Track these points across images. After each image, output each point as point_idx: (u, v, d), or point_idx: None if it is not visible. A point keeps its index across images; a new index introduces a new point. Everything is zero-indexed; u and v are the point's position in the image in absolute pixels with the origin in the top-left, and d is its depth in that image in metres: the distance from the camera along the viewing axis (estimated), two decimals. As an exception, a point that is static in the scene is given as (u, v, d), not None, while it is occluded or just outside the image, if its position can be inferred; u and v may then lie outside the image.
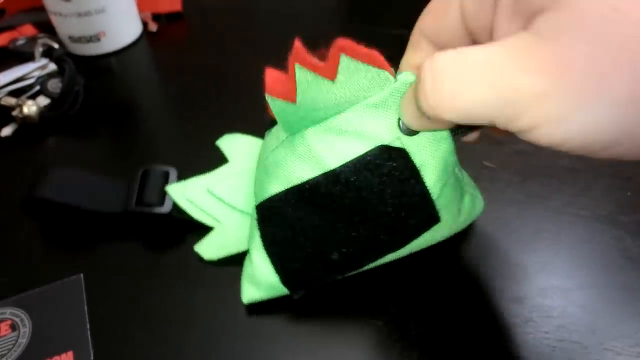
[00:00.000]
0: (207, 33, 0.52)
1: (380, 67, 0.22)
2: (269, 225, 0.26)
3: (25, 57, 0.45)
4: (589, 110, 0.16)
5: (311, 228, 0.25)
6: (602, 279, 0.28)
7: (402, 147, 0.23)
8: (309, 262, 0.26)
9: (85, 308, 0.28)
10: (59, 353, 0.26)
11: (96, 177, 0.32)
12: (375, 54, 0.22)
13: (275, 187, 0.26)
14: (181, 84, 0.45)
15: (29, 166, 0.38)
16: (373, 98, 0.23)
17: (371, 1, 0.54)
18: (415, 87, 0.19)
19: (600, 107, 0.16)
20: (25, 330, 0.27)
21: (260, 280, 0.27)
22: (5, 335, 0.27)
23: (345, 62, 0.22)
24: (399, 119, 0.23)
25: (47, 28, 0.50)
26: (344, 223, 0.25)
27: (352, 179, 0.24)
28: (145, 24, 0.53)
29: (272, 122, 0.28)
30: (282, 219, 0.26)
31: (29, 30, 0.52)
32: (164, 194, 0.32)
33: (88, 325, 0.27)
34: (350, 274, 0.27)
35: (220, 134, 0.37)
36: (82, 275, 0.29)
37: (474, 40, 0.22)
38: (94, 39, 0.47)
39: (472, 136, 0.25)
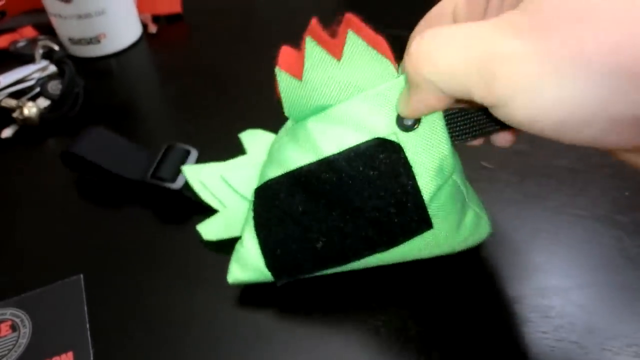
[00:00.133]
0: (207, 34, 0.52)
1: (384, 54, 0.23)
2: (262, 207, 0.27)
3: (25, 59, 0.45)
4: (566, 80, 0.16)
5: (300, 214, 0.26)
6: (601, 278, 0.28)
7: (398, 141, 0.24)
8: (294, 248, 0.26)
9: (85, 308, 0.28)
10: (59, 353, 0.26)
11: (131, 145, 0.36)
12: (381, 39, 0.23)
13: (274, 171, 0.27)
14: (181, 85, 0.45)
15: (29, 167, 0.38)
16: (374, 90, 0.24)
17: (371, 2, 0.54)
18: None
19: (576, 79, 0.16)
20: (26, 330, 0.27)
21: (247, 261, 0.27)
22: (5, 336, 0.27)
23: (351, 39, 0.23)
24: (398, 115, 0.24)
25: (47, 30, 0.50)
26: (332, 212, 0.25)
27: (344, 168, 0.24)
28: (145, 26, 0.53)
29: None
30: (275, 202, 0.26)
31: (29, 32, 0.52)
32: (178, 171, 0.34)
33: (88, 326, 0.27)
34: (334, 268, 0.27)
35: (220, 134, 0.37)
36: (82, 275, 0.30)
37: None
38: (94, 40, 0.48)
39: (474, 142, 0.25)
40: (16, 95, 0.41)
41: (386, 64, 0.24)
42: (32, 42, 0.48)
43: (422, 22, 0.25)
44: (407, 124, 0.24)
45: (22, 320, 0.28)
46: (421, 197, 0.24)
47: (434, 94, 0.21)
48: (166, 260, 0.30)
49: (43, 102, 0.41)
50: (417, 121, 0.24)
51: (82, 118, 0.41)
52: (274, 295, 0.28)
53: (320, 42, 0.24)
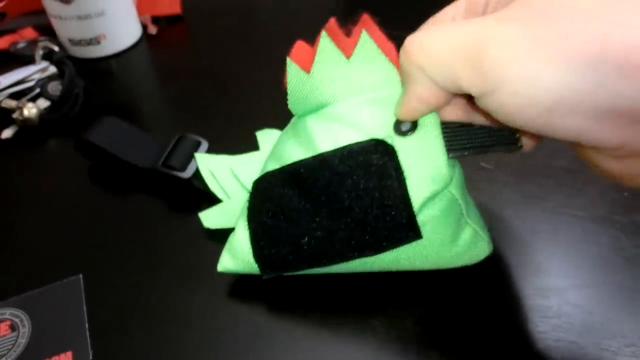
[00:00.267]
0: (207, 35, 0.52)
1: (391, 60, 0.24)
2: (257, 199, 0.27)
3: (25, 59, 0.45)
4: (555, 66, 0.17)
5: (289, 209, 0.26)
6: (599, 279, 0.28)
7: (392, 145, 0.24)
8: (281, 242, 0.26)
9: (85, 308, 0.28)
10: (58, 353, 0.26)
11: (144, 135, 0.37)
12: (391, 46, 0.24)
13: (272, 164, 0.27)
14: (181, 86, 0.45)
15: (29, 168, 0.38)
16: (376, 93, 0.24)
17: (371, 2, 0.54)
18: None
19: (564, 65, 0.17)
20: (25, 330, 0.27)
21: (237, 251, 0.27)
22: (4, 336, 0.27)
23: (364, 39, 0.24)
24: (396, 121, 0.24)
25: (47, 31, 0.50)
26: (321, 209, 0.25)
27: (336, 166, 0.24)
28: (145, 27, 0.53)
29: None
30: (269, 195, 0.26)
31: (29, 33, 0.52)
32: (189, 161, 0.34)
33: (87, 326, 0.27)
34: (319, 268, 0.26)
35: (221, 135, 0.37)
36: (81, 275, 0.30)
37: None
38: (94, 41, 0.48)
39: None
40: (16, 96, 0.41)
41: (392, 71, 0.24)
42: (32, 43, 0.48)
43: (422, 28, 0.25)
44: (403, 129, 0.24)
45: (21, 320, 0.28)
46: (409, 203, 0.24)
47: (427, 85, 0.21)
48: (166, 260, 0.30)
49: (43, 103, 0.41)
50: (414, 127, 0.24)
51: (82, 119, 0.41)
52: (274, 296, 0.28)
53: (334, 38, 0.24)
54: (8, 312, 0.28)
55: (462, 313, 0.27)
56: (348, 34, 0.26)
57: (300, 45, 0.26)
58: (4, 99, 0.41)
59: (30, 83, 0.42)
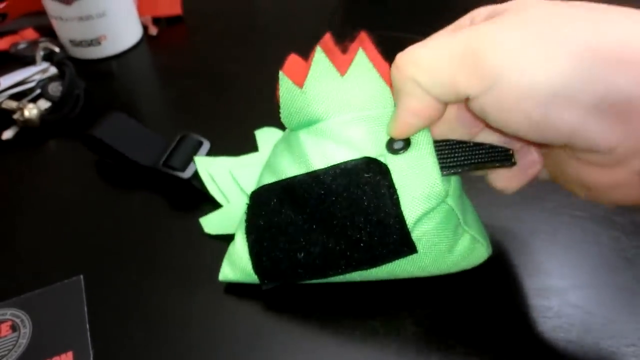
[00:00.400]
0: (207, 36, 0.52)
1: (386, 80, 0.24)
2: (254, 212, 0.27)
3: (26, 60, 0.45)
4: (552, 58, 0.18)
5: (286, 224, 0.26)
6: (599, 279, 0.28)
7: (385, 163, 0.24)
8: (279, 256, 0.26)
9: (85, 309, 0.28)
10: (58, 353, 0.26)
11: (148, 131, 0.37)
12: (387, 66, 0.24)
13: (269, 177, 0.27)
14: (181, 87, 0.45)
15: (30, 168, 0.38)
16: (369, 112, 0.24)
17: (370, 4, 0.54)
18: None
19: (561, 59, 0.17)
20: (26, 331, 0.27)
21: (237, 262, 0.27)
22: (5, 336, 0.27)
23: (360, 57, 0.24)
24: (389, 140, 0.24)
25: (48, 32, 0.50)
26: (316, 225, 0.25)
27: (330, 184, 0.24)
28: (145, 28, 0.53)
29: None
30: (265, 208, 0.26)
31: (30, 34, 0.52)
32: (189, 161, 0.34)
33: (88, 326, 0.27)
34: (316, 280, 0.27)
35: (221, 135, 0.37)
36: (82, 276, 0.30)
37: None
38: (95, 42, 0.48)
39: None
40: (17, 97, 0.41)
41: (386, 91, 0.24)
42: (33, 44, 0.48)
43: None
44: (396, 148, 0.24)
45: (22, 321, 0.28)
46: (403, 220, 0.24)
47: (420, 98, 0.21)
48: (166, 260, 0.31)
49: (44, 104, 0.41)
50: (407, 146, 0.24)
51: (82, 120, 0.41)
52: (274, 296, 0.28)
53: (329, 54, 0.24)
54: (9, 313, 0.28)
55: (462, 314, 0.27)
56: (344, 50, 0.25)
57: (293, 59, 0.26)
58: (5, 100, 0.41)
59: (31, 84, 0.42)
